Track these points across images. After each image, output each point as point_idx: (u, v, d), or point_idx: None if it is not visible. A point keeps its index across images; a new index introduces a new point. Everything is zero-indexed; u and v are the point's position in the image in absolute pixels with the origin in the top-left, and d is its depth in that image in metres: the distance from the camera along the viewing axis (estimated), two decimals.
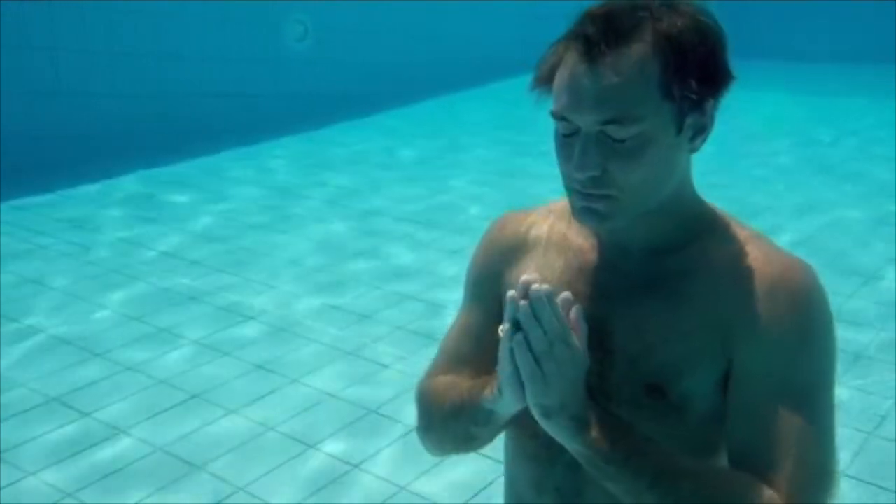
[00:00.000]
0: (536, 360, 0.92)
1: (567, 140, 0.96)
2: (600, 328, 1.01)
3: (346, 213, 5.46)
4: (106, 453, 2.87)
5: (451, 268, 4.42)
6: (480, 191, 5.87)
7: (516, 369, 0.93)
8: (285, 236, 5.01)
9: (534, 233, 1.11)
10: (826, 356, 0.97)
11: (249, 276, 4.39)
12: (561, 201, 1.12)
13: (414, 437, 2.94)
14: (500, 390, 0.97)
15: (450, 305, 3.97)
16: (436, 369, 1.16)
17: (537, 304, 0.92)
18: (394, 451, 2.87)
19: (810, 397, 0.95)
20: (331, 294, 4.17)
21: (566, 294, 0.95)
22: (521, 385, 0.94)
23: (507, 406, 0.98)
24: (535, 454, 1.08)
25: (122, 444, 2.92)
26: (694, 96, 0.92)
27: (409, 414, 2.98)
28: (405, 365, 3.42)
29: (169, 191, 5.88)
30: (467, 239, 4.84)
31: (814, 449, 0.93)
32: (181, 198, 5.74)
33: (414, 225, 5.20)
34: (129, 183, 6.01)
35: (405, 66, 8.49)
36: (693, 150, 0.98)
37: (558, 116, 0.95)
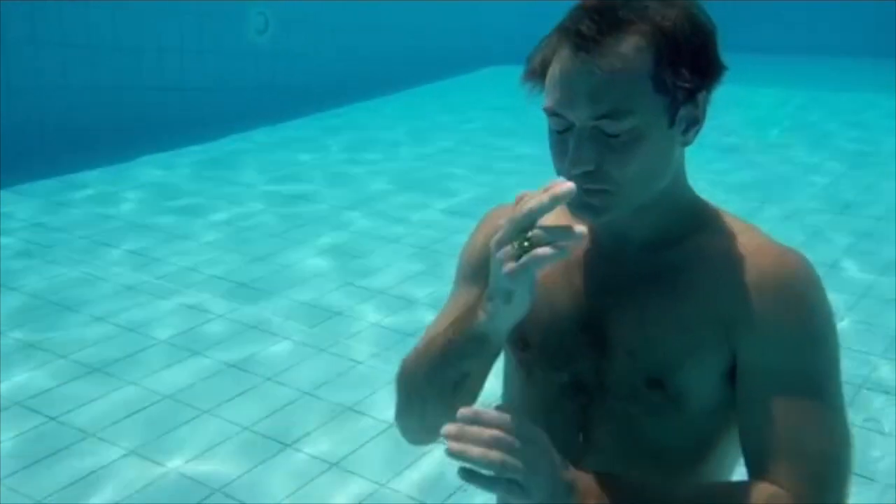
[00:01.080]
0: (509, 480, 0.84)
1: (560, 136, 0.96)
2: (599, 322, 1.01)
3: (308, 210, 5.41)
4: (80, 458, 2.80)
5: (416, 264, 4.40)
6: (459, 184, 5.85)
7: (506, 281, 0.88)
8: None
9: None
10: (830, 345, 0.97)
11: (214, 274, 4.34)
12: None
13: (392, 434, 2.92)
14: (492, 309, 0.92)
15: (420, 301, 3.96)
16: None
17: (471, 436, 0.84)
18: (371, 449, 2.85)
19: (819, 389, 0.95)
20: (299, 291, 4.13)
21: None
22: (513, 299, 0.89)
23: (502, 323, 0.94)
24: None
25: (92, 449, 2.86)
26: (687, 88, 0.92)
27: (386, 409, 2.99)
28: (379, 361, 3.41)
29: (125, 187, 5.77)
30: (435, 232, 4.86)
31: (826, 441, 0.93)
32: (133, 195, 5.64)
33: (383, 220, 5.17)
34: (91, 179, 5.88)
35: (372, 59, 8.44)
36: (686, 143, 0.98)
37: (551, 112, 0.95)
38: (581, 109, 0.92)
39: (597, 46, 0.90)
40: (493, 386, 1.09)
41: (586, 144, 0.93)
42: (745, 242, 1.00)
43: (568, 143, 0.94)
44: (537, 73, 0.97)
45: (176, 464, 2.78)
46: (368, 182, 6.00)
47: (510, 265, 0.87)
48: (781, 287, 0.96)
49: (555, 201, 0.86)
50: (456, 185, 5.89)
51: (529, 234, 0.87)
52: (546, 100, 0.96)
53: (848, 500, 0.95)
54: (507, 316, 0.93)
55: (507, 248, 0.87)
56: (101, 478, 2.71)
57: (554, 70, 0.94)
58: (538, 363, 1.07)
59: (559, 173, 0.97)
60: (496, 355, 0.99)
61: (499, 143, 7.05)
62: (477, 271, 1.13)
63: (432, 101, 8.71)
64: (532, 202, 0.87)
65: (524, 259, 0.86)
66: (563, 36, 0.94)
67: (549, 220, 1.06)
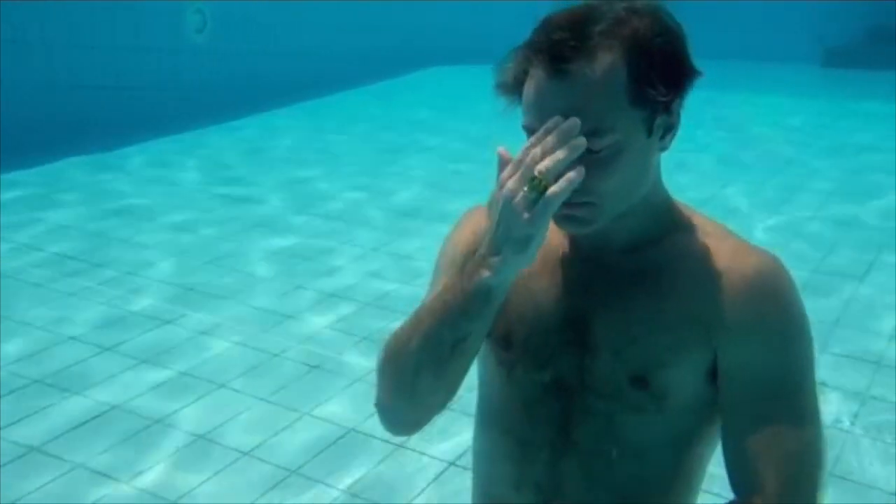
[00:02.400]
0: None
1: None
2: (582, 322, 1.02)
3: (253, 212, 5.32)
4: (25, 476, 2.68)
5: (365, 265, 4.36)
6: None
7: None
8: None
9: None
10: (807, 344, 1.01)
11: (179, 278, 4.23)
12: None
13: (357, 437, 2.89)
14: (498, 263, 0.92)
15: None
16: None
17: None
18: (333, 452, 2.82)
19: (797, 388, 0.99)
20: (247, 296, 4.05)
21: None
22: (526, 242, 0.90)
23: (510, 274, 0.94)
24: (510, 453, 1.08)
25: (44, 462, 2.74)
26: (662, 99, 0.93)
27: (343, 412, 2.99)
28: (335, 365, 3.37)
29: (61, 189, 5.58)
30: (370, 233, 4.85)
31: (805, 443, 0.97)
32: (69, 196, 5.48)
33: (330, 221, 5.13)
34: (22, 180, 5.68)
35: (313, 56, 8.35)
36: (663, 149, 0.99)
37: (531, 131, 0.95)
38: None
39: (570, 67, 0.90)
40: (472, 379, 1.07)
41: None
42: (722, 243, 1.02)
43: None
44: (510, 89, 0.97)
45: (127, 476, 2.69)
46: (315, 183, 5.93)
47: (528, 212, 0.88)
48: (761, 289, 0.98)
49: (564, 138, 0.88)
50: (397, 185, 5.87)
51: (538, 174, 0.88)
52: (524, 118, 0.96)
53: (824, 497, 0.99)
54: (517, 265, 0.93)
55: (521, 195, 0.89)
56: (51, 493, 2.60)
57: (529, 89, 0.94)
58: (520, 362, 1.07)
59: None
60: (496, 312, 0.97)
61: (441, 144, 7.06)
62: (457, 265, 1.11)
63: (375, 100, 8.68)
64: (538, 148, 0.89)
65: (544, 201, 0.88)
66: (536, 54, 0.93)
67: None
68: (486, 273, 0.93)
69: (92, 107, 6.59)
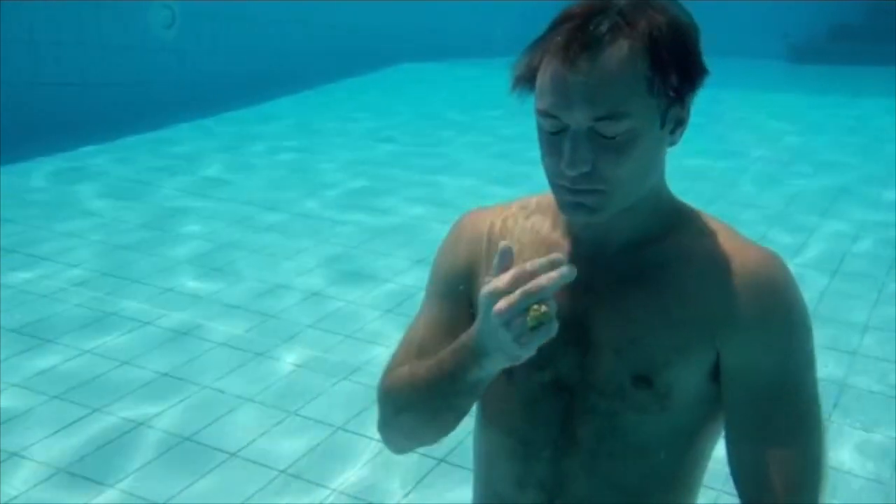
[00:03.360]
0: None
1: (554, 137, 0.96)
2: (584, 321, 1.02)
3: (218, 208, 5.27)
4: None
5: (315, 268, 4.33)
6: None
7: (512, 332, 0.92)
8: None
9: (506, 229, 1.11)
10: (809, 342, 1.02)
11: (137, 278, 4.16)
12: (532, 198, 1.13)
13: (336, 439, 2.88)
14: (490, 366, 0.97)
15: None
16: (398, 362, 1.14)
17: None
18: (320, 453, 2.81)
19: (801, 386, 0.99)
20: (226, 295, 4.01)
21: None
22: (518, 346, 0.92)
23: (498, 369, 0.99)
24: (513, 451, 1.08)
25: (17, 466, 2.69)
26: (679, 89, 0.94)
27: (334, 414, 2.97)
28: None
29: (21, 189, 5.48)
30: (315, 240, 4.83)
31: (809, 440, 0.99)
32: (30, 197, 5.39)
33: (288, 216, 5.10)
34: None
35: (283, 54, 8.28)
36: (673, 143, 0.99)
37: (546, 114, 0.95)
38: (578, 112, 0.92)
39: (591, 52, 0.91)
40: None
41: (583, 146, 0.93)
42: (724, 242, 1.02)
43: (561, 144, 0.95)
44: (525, 78, 0.97)
45: (111, 478, 2.65)
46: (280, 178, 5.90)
47: (525, 337, 0.91)
48: (765, 288, 0.99)
49: (564, 279, 0.91)
50: (332, 178, 5.87)
51: (541, 307, 0.91)
52: (539, 102, 0.96)
53: (826, 495, 1.00)
54: (506, 364, 0.97)
55: (519, 321, 0.91)
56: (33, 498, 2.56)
57: (546, 73, 0.94)
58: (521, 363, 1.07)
59: (551, 174, 0.98)
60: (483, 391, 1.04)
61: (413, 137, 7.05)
62: (448, 284, 1.14)
63: (343, 98, 8.62)
64: (544, 280, 0.90)
65: (541, 332, 0.91)
66: (555, 41, 0.93)
67: (536, 224, 1.09)
68: (474, 369, 0.98)
69: (55, 104, 6.46)
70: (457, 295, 1.12)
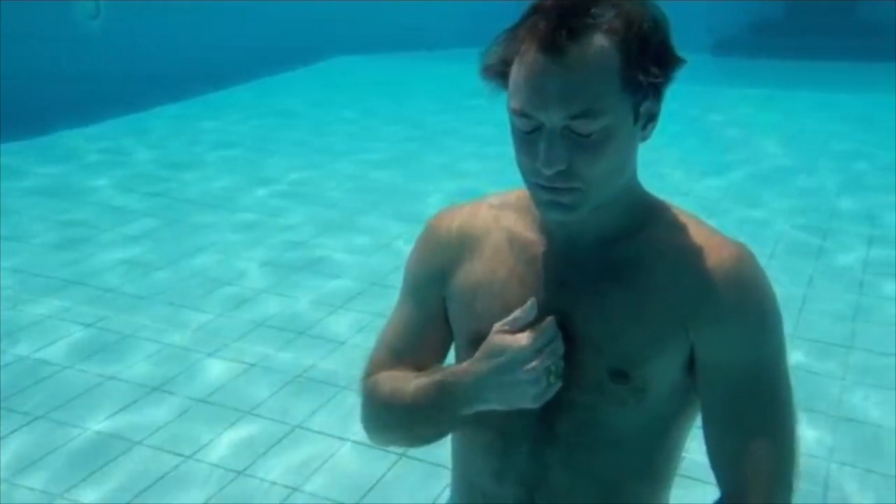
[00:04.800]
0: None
1: (529, 136, 0.96)
2: (562, 317, 1.02)
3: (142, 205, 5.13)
4: None
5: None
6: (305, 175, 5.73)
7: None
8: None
9: (478, 228, 1.11)
10: (780, 331, 1.05)
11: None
12: (502, 195, 1.14)
13: (301, 433, 2.82)
14: (484, 407, 1.03)
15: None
16: (376, 364, 1.17)
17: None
18: (283, 448, 2.78)
19: (774, 375, 1.02)
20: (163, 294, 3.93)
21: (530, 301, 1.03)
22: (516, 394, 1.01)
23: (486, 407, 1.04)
24: (490, 446, 1.09)
25: None
26: (653, 84, 0.94)
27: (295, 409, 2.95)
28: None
29: None
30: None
31: (784, 426, 1.01)
32: None
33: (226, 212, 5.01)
34: None
35: (215, 46, 8.07)
36: (644, 139, 1.00)
37: (521, 113, 0.95)
38: (553, 111, 0.92)
39: (565, 48, 0.90)
40: None
41: (558, 144, 0.93)
42: (696, 236, 1.03)
43: (536, 143, 0.95)
44: (496, 72, 0.97)
45: (59, 490, 2.57)
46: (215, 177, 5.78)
47: (541, 398, 1.01)
48: (737, 281, 1.00)
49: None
50: (275, 173, 5.81)
51: (554, 367, 1.01)
52: (513, 101, 0.95)
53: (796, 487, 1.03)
54: (495, 407, 1.03)
55: (543, 383, 1.00)
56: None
57: (520, 71, 0.94)
58: None
59: (527, 172, 0.98)
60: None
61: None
62: (420, 286, 1.15)
63: (271, 93, 8.45)
64: (560, 343, 1.01)
65: (552, 388, 1.01)
66: (527, 37, 0.93)
67: (509, 222, 1.09)
68: (465, 408, 1.04)
69: None
70: (429, 297, 1.13)
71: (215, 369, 3.27)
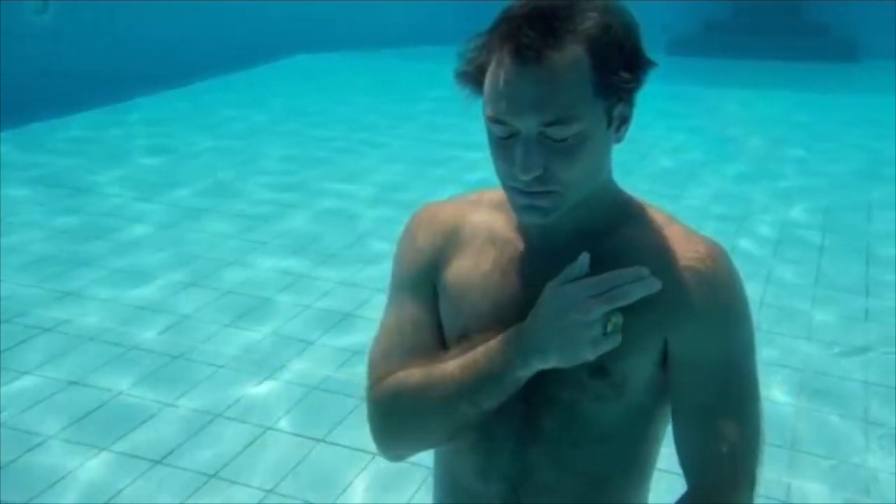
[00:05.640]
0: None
1: (505, 142, 0.98)
2: None
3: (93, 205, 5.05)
4: None
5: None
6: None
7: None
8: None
9: (465, 224, 1.13)
10: (750, 329, 1.07)
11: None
12: (486, 192, 1.15)
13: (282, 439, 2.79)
14: (539, 364, 1.00)
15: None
16: (385, 368, 1.12)
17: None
18: (252, 453, 2.76)
19: (742, 373, 1.04)
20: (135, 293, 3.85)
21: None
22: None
23: (537, 369, 1.01)
24: (475, 446, 1.10)
25: None
26: (624, 89, 0.96)
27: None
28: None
29: None
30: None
31: (750, 419, 1.03)
32: None
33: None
34: None
35: (172, 42, 7.90)
36: (618, 141, 1.02)
37: (496, 121, 0.97)
38: (528, 118, 0.94)
39: (539, 56, 0.92)
40: None
41: (534, 150, 0.95)
42: (670, 234, 1.06)
43: (513, 149, 0.96)
44: (471, 78, 0.99)
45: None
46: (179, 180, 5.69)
47: (597, 345, 0.99)
48: (709, 279, 1.03)
49: (646, 291, 0.99)
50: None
51: (614, 318, 0.99)
52: (488, 108, 0.97)
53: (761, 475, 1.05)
54: (554, 365, 1.01)
55: (597, 328, 0.98)
56: None
57: (495, 79, 0.95)
58: None
59: (504, 177, 1.00)
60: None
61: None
62: (416, 282, 1.14)
63: (226, 93, 8.28)
64: (626, 290, 0.99)
65: (611, 338, 1.00)
66: (504, 44, 0.94)
67: (488, 220, 1.11)
68: (520, 368, 1.01)
69: None
70: (427, 291, 1.12)
71: None
